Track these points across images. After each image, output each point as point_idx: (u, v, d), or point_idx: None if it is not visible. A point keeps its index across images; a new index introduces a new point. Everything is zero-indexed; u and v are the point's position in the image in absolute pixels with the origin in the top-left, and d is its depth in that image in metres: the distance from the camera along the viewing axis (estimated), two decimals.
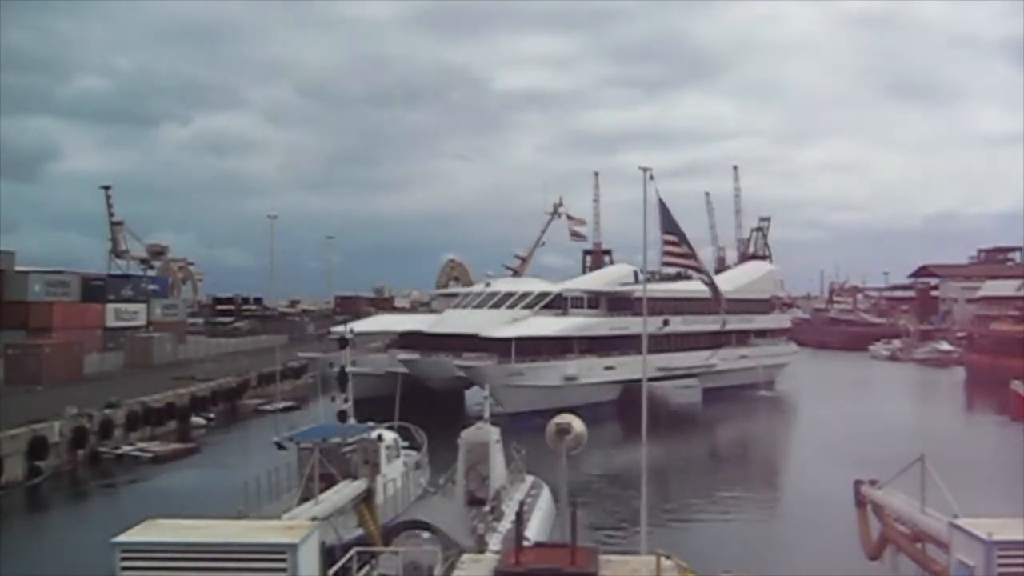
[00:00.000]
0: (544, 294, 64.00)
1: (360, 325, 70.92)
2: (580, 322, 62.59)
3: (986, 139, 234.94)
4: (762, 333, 78.58)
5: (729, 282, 72.70)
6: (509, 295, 64.88)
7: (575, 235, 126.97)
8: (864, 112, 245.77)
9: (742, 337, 74.93)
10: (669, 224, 16.73)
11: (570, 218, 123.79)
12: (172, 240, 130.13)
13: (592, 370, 60.07)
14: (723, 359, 71.34)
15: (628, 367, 59.17)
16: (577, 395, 50.46)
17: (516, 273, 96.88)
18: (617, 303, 64.82)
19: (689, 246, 17.34)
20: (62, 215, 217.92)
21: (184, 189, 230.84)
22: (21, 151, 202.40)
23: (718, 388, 68.47)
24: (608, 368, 60.77)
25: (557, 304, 63.46)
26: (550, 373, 57.15)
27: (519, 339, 57.33)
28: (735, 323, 71.98)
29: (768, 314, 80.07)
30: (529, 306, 62.85)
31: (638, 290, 63.49)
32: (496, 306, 63.86)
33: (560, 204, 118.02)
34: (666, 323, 63.44)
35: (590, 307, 64.72)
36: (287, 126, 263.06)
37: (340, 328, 67.47)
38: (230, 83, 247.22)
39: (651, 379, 65.65)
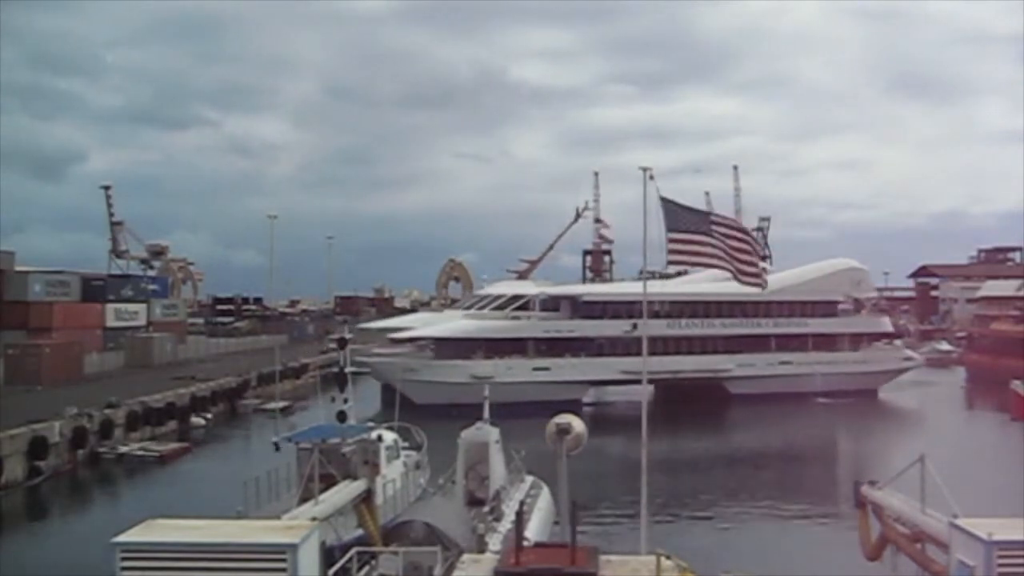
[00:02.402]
0: (517, 297, 66.37)
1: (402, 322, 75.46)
2: (492, 324, 64.22)
3: (992, 136, 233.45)
4: (830, 337, 70.94)
5: (776, 282, 69.94)
6: (483, 297, 69.05)
7: (603, 238, 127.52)
8: (869, 108, 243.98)
9: (792, 341, 69.12)
10: (674, 221, 16.50)
11: (597, 221, 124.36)
12: (190, 241, 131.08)
13: (514, 370, 60.54)
14: (744, 364, 67.28)
15: (566, 370, 61.68)
16: (495, 393, 51.10)
17: (521, 276, 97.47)
18: (581, 307, 66.65)
19: (711, 235, 16.64)
20: (83, 216, 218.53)
21: (206, 190, 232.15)
22: (48, 152, 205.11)
23: (755, 395, 63.92)
24: (539, 369, 61.53)
25: (528, 306, 65.76)
26: (454, 371, 58.53)
27: (440, 339, 62.85)
28: (769, 327, 68.87)
29: (834, 316, 72.61)
30: (500, 308, 65.49)
31: (589, 293, 68.99)
32: (469, 307, 68.67)
33: (586, 208, 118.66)
34: (635, 327, 63.32)
35: (545, 309, 65.97)
36: (288, 125, 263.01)
37: (396, 322, 71.47)
38: (243, 83, 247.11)
39: (612, 382, 64.43)
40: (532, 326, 64.80)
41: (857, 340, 72.75)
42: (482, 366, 60.69)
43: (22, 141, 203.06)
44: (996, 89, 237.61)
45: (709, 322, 67.54)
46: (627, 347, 63.53)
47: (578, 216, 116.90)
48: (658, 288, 61.67)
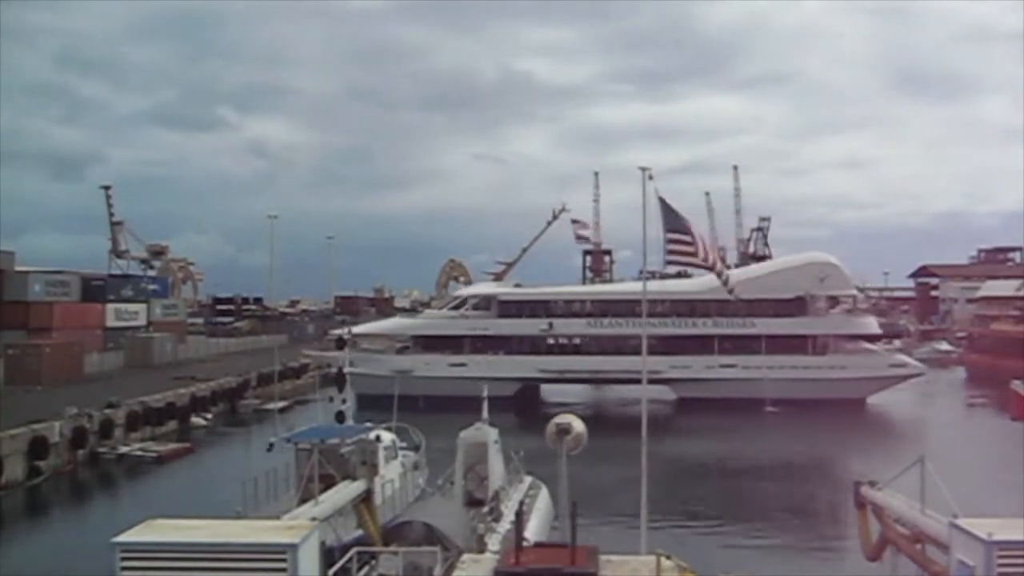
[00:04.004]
0: (471, 297, 71.94)
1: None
2: (420, 323, 71.64)
3: (996, 135, 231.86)
4: (793, 338, 64.54)
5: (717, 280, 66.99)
6: (450, 298, 76.53)
7: (580, 239, 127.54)
8: (871, 106, 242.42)
9: (752, 343, 64.15)
10: (672, 222, 16.65)
11: (574, 222, 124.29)
12: (200, 241, 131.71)
13: (431, 366, 63.80)
14: (678, 366, 61.76)
15: (482, 366, 61.35)
16: (418, 386, 53.08)
17: (497, 278, 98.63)
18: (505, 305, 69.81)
19: (695, 240, 16.98)
20: (93, 217, 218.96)
21: (216, 190, 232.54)
22: (66, 154, 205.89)
23: (699, 399, 60.43)
24: (455, 365, 63.79)
25: (473, 307, 69.91)
26: (378, 364, 60.83)
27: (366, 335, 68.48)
28: (707, 327, 64.96)
29: (798, 316, 65.37)
30: (456, 307, 71.08)
31: (507, 293, 71.62)
32: (437, 307, 76.79)
33: (563, 209, 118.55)
34: (551, 326, 67.36)
35: (478, 309, 69.37)
36: (288, 125, 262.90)
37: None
38: (244, 82, 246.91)
39: (536, 379, 66.42)
40: (454, 324, 68.50)
41: (824, 342, 65.82)
42: (400, 361, 64.19)
43: (42, 143, 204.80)
44: (1000, 87, 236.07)
45: (635, 321, 60.23)
46: (549, 346, 68.29)
47: (555, 217, 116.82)
48: (583, 288, 62.26)
